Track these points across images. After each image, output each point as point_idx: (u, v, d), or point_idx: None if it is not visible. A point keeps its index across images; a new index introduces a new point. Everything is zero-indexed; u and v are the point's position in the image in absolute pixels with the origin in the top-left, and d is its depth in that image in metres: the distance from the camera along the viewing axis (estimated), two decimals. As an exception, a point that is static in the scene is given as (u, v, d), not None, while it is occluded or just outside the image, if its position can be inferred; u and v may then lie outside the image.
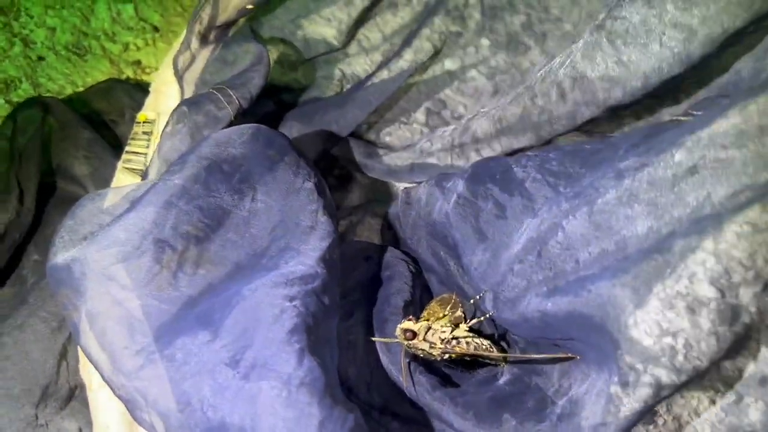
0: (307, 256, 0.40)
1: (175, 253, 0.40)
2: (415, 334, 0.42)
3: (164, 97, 0.59)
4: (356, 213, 0.59)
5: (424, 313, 0.48)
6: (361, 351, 0.47)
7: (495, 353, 0.42)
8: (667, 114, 0.47)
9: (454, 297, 0.48)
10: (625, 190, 0.36)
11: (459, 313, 0.44)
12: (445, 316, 0.45)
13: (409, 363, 0.42)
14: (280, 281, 0.38)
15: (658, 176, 0.35)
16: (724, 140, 0.34)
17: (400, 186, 0.59)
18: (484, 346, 0.42)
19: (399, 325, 0.42)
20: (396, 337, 0.42)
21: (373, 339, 0.44)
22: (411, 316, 0.43)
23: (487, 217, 0.43)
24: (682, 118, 0.41)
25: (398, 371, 0.43)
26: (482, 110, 0.56)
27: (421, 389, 0.41)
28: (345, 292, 0.50)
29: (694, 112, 0.41)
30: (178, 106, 0.52)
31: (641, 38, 0.41)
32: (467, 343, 0.42)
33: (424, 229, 0.50)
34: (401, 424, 0.44)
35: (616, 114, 0.46)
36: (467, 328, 0.43)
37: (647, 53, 0.41)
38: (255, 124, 0.46)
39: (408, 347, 0.42)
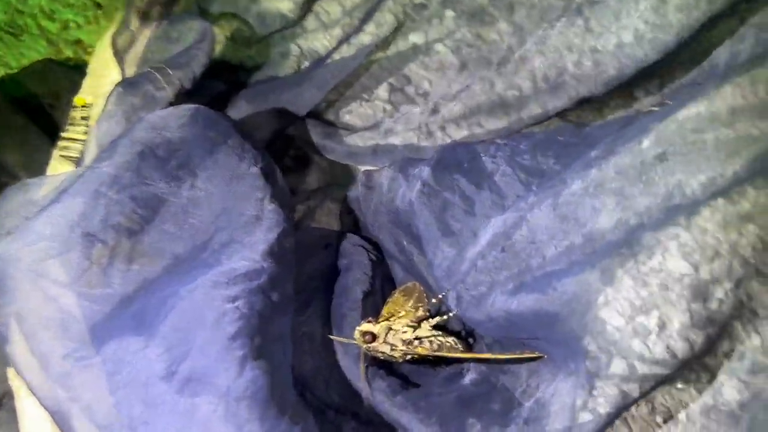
0: (252, 249, 0.36)
1: (106, 247, 0.37)
2: (374, 337, 0.39)
3: (103, 80, 0.55)
4: (314, 197, 0.56)
5: (387, 307, 0.44)
6: (318, 345, 0.43)
7: (460, 353, 0.39)
8: (646, 103, 0.45)
9: (418, 288, 0.45)
10: (591, 181, 0.33)
11: (421, 312, 0.41)
12: (407, 313, 0.41)
13: (367, 367, 0.39)
14: (221, 280, 0.34)
15: (625, 165, 0.32)
16: (694, 125, 0.31)
17: (361, 169, 0.56)
18: (448, 345, 0.39)
19: (357, 328, 0.39)
20: (354, 338, 0.39)
21: (331, 337, 0.41)
22: (370, 318, 0.40)
23: (454, 212, 0.40)
24: (655, 108, 0.38)
25: (356, 374, 0.39)
26: (451, 93, 0.53)
27: (380, 396, 0.38)
28: (301, 282, 0.46)
29: (668, 102, 0.38)
30: (115, 87, 0.48)
31: (617, 24, 0.38)
32: (430, 342, 0.39)
33: (386, 216, 0.47)
34: (359, 424, 0.41)
35: (591, 102, 0.43)
36: (431, 327, 0.40)
37: (623, 40, 0.38)
38: (194, 105, 0.42)
39: (367, 350, 0.39)
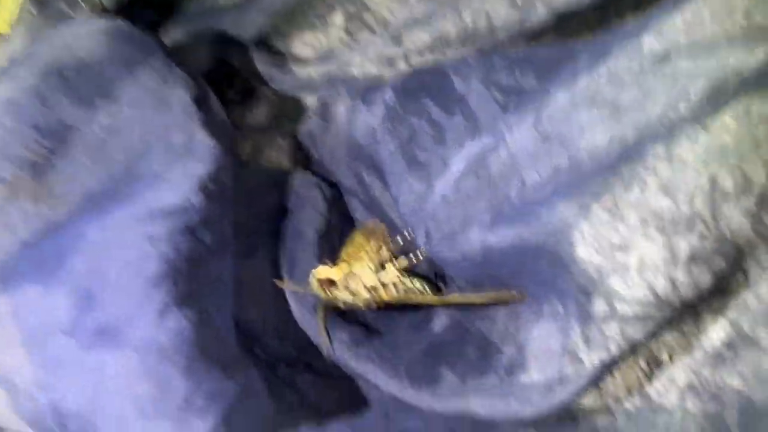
0: (179, 184, 0.31)
1: (5, 184, 0.31)
2: (333, 283, 0.33)
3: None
4: (262, 133, 0.50)
5: (345, 249, 0.39)
6: (267, 293, 0.38)
7: (429, 297, 0.34)
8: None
9: (380, 227, 0.40)
10: (579, 92, 0.28)
11: (385, 254, 0.36)
12: (369, 255, 0.36)
13: (325, 317, 0.34)
14: (139, 216, 0.29)
15: (620, 69, 0.27)
16: (704, 17, 0.26)
17: (314, 100, 0.50)
18: (416, 289, 0.34)
19: (313, 272, 0.34)
20: (310, 285, 0.34)
21: (281, 284, 0.36)
22: (327, 260, 0.35)
23: (422, 140, 0.34)
24: None
25: (311, 325, 0.35)
26: (414, 20, 0.47)
27: (341, 349, 0.33)
28: (248, 224, 0.41)
29: None
30: (23, 3, 0.41)
31: None
32: (396, 287, 0.34)
33: (345, 148, 0.41)
34: (315, 376, 0.37)
35: (573, 19, 0.37)
36: (397, 270, 0.35)
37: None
38: (109, 18, 0.35)
39: (326, 298, 0.34)
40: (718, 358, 0.27)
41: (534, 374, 0.28)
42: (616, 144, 0.27)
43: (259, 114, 0.52)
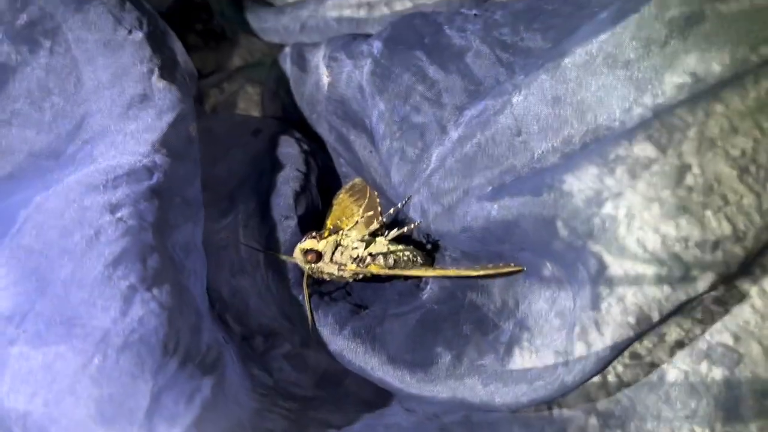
0: (137, 140, 0.27)
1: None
2: (320, 256, 0.30)
3: None
4: (229, 80, 0.45)
5: (332, 212, 0.36)
6: (242, 258, 0.35)
7: (421, 270, 0.31)
8: None
9: (367, 188, 0.37)
10: (599, 50, 0.25)
11: (375, 224, 0.33)
12: (358, 223, 0.33)
13: (311, 295, 0.31)
14: (95, 182, 0.25)
15: (646, 27, 0.24)
16: None
17: (287, 46, 0.45)
18: (406, 258, 0.32)
19: (299, 245, 0.31)
20: (293, 256, 0.31)
21: (264, 252, 0.33)
22: (314, 232, 0.31)
23: (415, 100, 0.30)
24: None
25: (289, 297, 0.32)
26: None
27: (326, 331, 0.30)
28: (219, 181, 0.37)
29: None
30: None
31: None
32: (385, 257, 0.31)
33: (326, 105, 0.37)
34: (293, 347, 0.34)
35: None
36: (386, 242, 0.32)
37: None
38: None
39: (310, 271, 0.31)
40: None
41: (536, 354, 0.26)
42: (635, 115, 0.24)
43: (224, 59, 0.47)
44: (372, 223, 0.33)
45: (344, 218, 0.35)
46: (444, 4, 0.36)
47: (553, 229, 0.25)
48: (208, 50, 0.47)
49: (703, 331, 0.26)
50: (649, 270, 0.23)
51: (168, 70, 0.31)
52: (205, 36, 0.47)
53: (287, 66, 0.41)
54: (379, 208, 0.35)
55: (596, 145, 0.24)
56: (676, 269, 0.23)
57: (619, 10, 0.25)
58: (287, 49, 0.42)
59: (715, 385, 0.26)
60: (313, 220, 0.36)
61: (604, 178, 0.24)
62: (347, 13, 0.39)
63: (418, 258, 0.32)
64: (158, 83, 0.30)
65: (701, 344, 0.26)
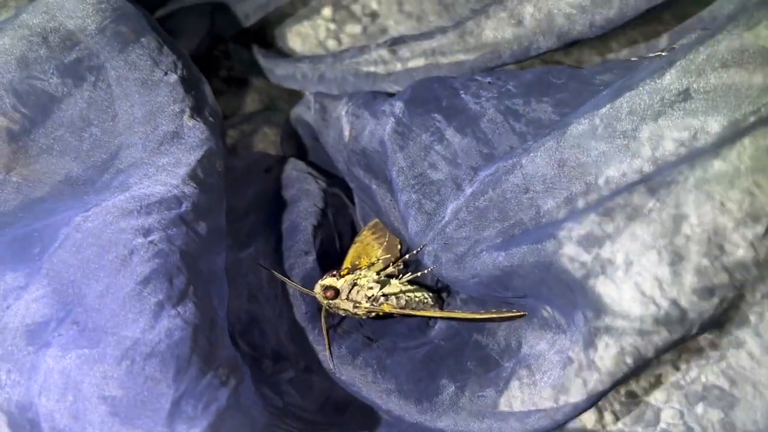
0: (169, 172, 0.29)
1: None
2: (337, 293, 0.33)
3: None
4: (249, 121, 0.48)
5: (354, 247, 0.38)
6: (260, 288, 0.36)
7: (431, 311, 0.33)
8: (642, 49, 0.39)
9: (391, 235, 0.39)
10: (600, 121, 0.27)
11: (391, 268, 0.35)
12: (376, 263, 0.35)
13: (329, 329, 0.33)
14: (129, 207, 0.27)
15: (640, 103, 0.26)
16: (723, 59, 0.25)
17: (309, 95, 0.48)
18: (417, 299, 0.33)
19: (320, 282, 0.33)
20: (313, 291, 0.33)
21: (289, 282, 0.35)
22: (335, 271, 0.34)
23: (433, 158, 0.33)
24: (664, 53, 0.32)
25: (311, 327, 0.34)
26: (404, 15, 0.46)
27: (339, 363, 0.32)
28: (241, 215, 0.39)
29: (676, 46, 0.32)
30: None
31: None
32: (397, 298, 0.33)
33: (347, 153, 0.40)
34: (298, 372, 0.35)
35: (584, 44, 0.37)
36: (400, 284, 0.34)
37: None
38: (101, -10, 0.33)
39: (328, 306, 0.33)
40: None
41: (534, 388, 0.27)
42: (633, 174, 0.26)
43: (246, 102, 0.50)
44: (389, 264, 0.35)
45: (364, 256, 0.37)
46: (455, 65, 0.39)
47: (552, 273, 0.26)
48: (230, 94, 0.50)
49: (699, 374, 0.27)
50: (646, 311, 0.25)
51: (198, 110, 0.33)
52: (228, 81, 0.50)
53: (310, 114, 0.44)
54: (399, 247, 0.37)
55: (597, 200, 0.26)
56: (673, 312, 0.25)
57: (619, 87, 0.27)
58: (309, 96, 0.44)
59: (711, 427, 0.27)
60: (329, 255, 0.38)
61: (603, 224, 0.26)
62: (364, 69, 0.42)
63: (429, 299, 0.34)
64: (189, 122, 0.32)
65: (697, 386, 0.27)
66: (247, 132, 0.47)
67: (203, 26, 0.47)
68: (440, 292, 0.35)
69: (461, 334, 0.33)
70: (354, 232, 0.42)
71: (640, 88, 0.26)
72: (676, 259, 0.25)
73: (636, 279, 0.25)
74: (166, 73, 0.33)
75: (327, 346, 0.32)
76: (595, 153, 0.27)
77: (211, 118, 0.35)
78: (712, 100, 0.25)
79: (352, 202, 0.43)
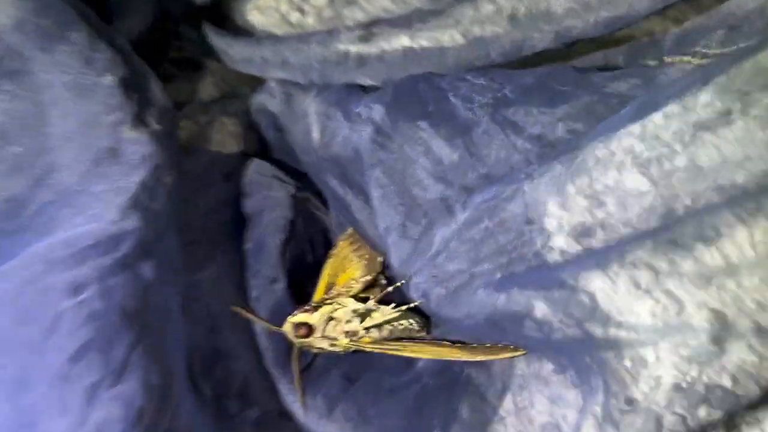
0: (105, 203, 0.24)
1: None
2: (311, 330, 0.28)
3: None
4: (205, 111, 0.42)
5: (329, 264, 0.33)
6: (228, 314, 0.32)
7: (418, 345, 0.29)
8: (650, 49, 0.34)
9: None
10: (619, 146, 0.23)
11: (372, 303, 0.30)
12: (354, 285, 0.31)
13: (302, 371, 0.29)
14: (57, 256, 0.22)
15: (671, 125, 0.22)
16: None
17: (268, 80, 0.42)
18: (401, 327, 0.29)
19: (290, 318, 0.28)
20: (282, 328, 0.29)
21: (253, 318, 0.31)
22: (307, 305, 0.29)
23: (419, 176, 0.28)
24: (692, 59, 0.27)
25: (279, 370, 0.29)
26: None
27: (314, 415, 0.28)
28: (193, 228, 0.35)
29: (708, 51, 0.27)
30: None
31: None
32: (379, 328, 0.29)
33: (317, 158, 0.35)
34: (263, 414, 0.31)
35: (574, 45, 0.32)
36: (383, 315, 0.29)
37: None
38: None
39: (302, 345, 0.29)
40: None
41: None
42: (659, 214, 0.22)
43: (201, 89, 0.44)
44: (369, 303, 0.30)
45: (341, 272, 0.33)
46: (436, 53, 0.33)
47: (565, 328, 0.23)
48: (182, 79, 0.44)
49: None
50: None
51: (141, 117, 0.28)
52: (179, 64, 0.44)
53: (274, 103, 0.38)
54: (380, 260, 0.32)
55: (616, 247, 0.22)
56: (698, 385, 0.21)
57: (642, 105, 0.23)
58: (272, 84, 0.39)
59: None
60: (301, 271, 0.34)
61: (623, 285, 0.22)
62: (333, 55, 0.37)
63: (414, 325, 0.30)
64: (129, 134, 0.27)
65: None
66: (203, 123, 0.42)
67: (151, 2, 0.41)
68: (426, 315, 0.31)
69: (452, 369, 0.29)
70: (327, 240, 0.37)
71: (669, 109, 0.22)
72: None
73: (661, 345, 0.21)
74: (100, 75, 0.28)
75: (300, 394, 0.28)
76: (614, 184, 0.23)
77: (157, 125, 0.30)
78: (761, 126, 0.21)
79: (325, 205, 0.38)
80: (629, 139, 0.22)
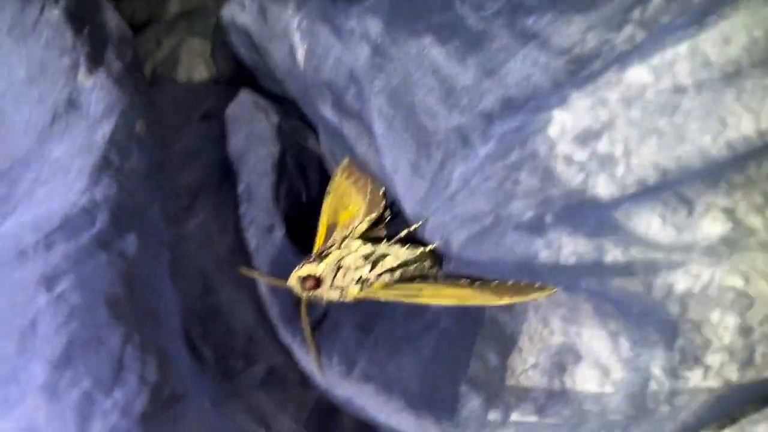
0: (68, 169, 0.21)
1: None
2: (319, 282, 0.25)
3: None
4: (168, 33, 0.38)
5: (328, 201, 0.30)
6: (222, 266, 0.29)
7: (433, 287, 0.26)
8: None
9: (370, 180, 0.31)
10: (677, 70, 0.19)
11: (381, 232, 0.28)
12: (359, 224, 0.28)
13: (314, 329, 0.26)
14: (23, 243, 0.19)
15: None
16: None
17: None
18: (413, 269, 0.27)
19: (296, 271, 0.25)
20: (288, 283, 0.26)
21: (254, 275, 0.28)
22: (311, 255, 0.26)
23: (428, 102, 0.24)
24: None
25: (290, 331, 0.27)
26: None
27: (333, 378, 0.26)
28: (173, 171, 0.31)
29: None
30: None
31: None
32: (391, 272, 0.26)
33: (305, 83, 0.31)
34: (269, 374, 0.29)
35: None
36: (397, 258, 0.26)
37: None
38: None
39: (310, 299, 0.26)
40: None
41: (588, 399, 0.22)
42: (726, 147, 0.19)
43: (163, 6, 0.39)
44: (375, 222, 0.28)
45: (341, 210, 0.30)
46: None
47: (620, 277, 0.20)
48: (140, -5, 0.39)
49: None
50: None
51: (98, 57, 0.24)
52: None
53: (246, 16, 0.33)
54: (383, 192, 0.29)
55: (676, 185, 0.19)
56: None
57: (701, 14, 0.19)
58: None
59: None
60: (298, 213, 0.31)
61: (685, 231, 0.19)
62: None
63: (426, 264, 0.27)
64: (86, 81, 0.23)
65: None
66: (169, 48, 0.37)
67: None
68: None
69: (472, 310, 0.26)
70: (323, 171, 0.34)
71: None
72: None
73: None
74: (42, 10, 0.23)
75: (314, 355, 0.26)
76: (676, 114, 0.19)
77: (118, 61, 0.25)
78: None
79: (314, 131, 0.34)
80: (682, 62, 0.19)
